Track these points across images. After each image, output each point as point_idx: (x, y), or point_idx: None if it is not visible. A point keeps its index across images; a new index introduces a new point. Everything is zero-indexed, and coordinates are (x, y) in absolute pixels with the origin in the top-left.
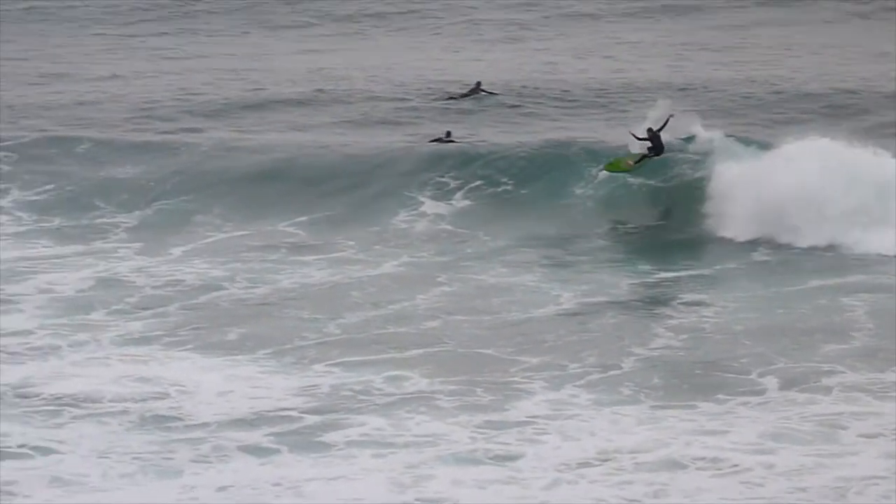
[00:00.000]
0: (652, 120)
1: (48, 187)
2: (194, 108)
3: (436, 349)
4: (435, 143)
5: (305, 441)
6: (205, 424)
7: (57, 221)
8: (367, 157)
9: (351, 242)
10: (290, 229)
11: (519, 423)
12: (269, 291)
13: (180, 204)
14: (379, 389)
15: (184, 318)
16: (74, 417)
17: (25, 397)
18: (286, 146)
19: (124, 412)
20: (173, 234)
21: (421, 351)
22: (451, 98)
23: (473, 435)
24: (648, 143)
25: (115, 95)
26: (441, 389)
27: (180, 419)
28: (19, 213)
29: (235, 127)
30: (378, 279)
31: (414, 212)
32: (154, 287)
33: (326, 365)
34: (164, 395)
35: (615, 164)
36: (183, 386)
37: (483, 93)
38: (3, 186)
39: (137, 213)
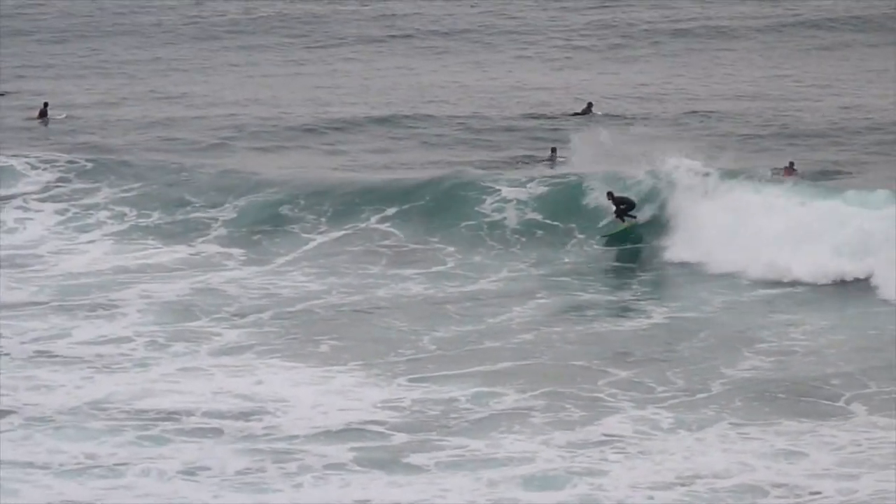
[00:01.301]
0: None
1: (136, 190)
2: (284, 126)
3: (528, 362)
4: (545, 162)
5: (392, 459)
6: (294, 438)
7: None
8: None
9: (451, 248)
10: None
11: (603, 442)
12: (364, 299)
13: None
14: (468, 407)
15: (280, 327)
16: (166, 432)
17: (117, 411)
18: (373, 163)
19: (217, 428)
20: (269, 236)
21: (512, 364)
22: (564, 116)
23: (561, 454)
24: (614, 208)
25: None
26: (532, 405)
27: (271, 434)
28: (116, 217)
29: (325, 143)
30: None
31: (497, 197)
32: (251, 298)
33: (419, 379)
34: (256, 409)
35: (617, 232)
36: (276, 399)
37: (594, 113)
38: (93, 188)
39: (229, 206)
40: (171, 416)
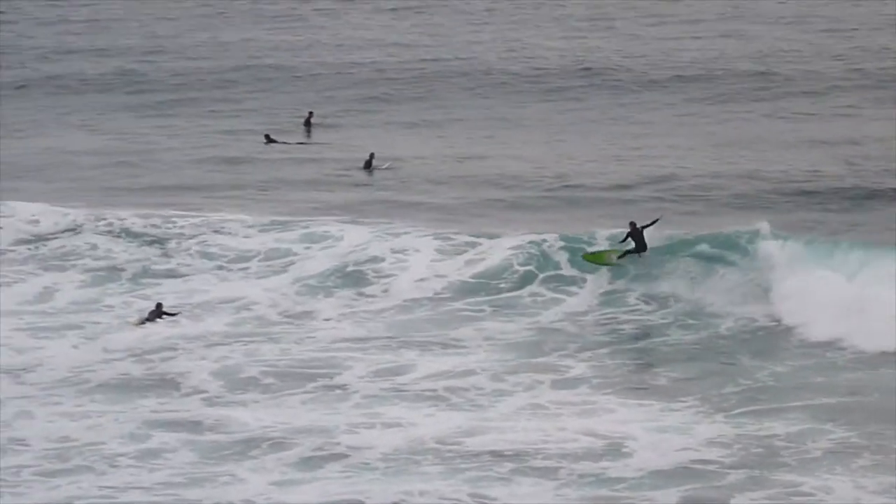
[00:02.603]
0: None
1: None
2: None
3: (858, 399)
4: None
5: (720, 502)
6: (625, 480)
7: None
8: None
9: None
10: None
11: None
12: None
13: None
14: (795, 445)
15: (621, 362)
16: (501, 471)
17: (454, 448)
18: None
19: (553, 468)
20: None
21: (843, 400)
22: None
23: (886, 500)
24: (631, 241)
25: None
26: (862, 444)
27: (604, 474)
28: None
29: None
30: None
31: None
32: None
33: (751, 414)
34: (592, 449)
35: (598, 256)
36: (612, 438)
37: None
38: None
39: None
40: (507, 455)
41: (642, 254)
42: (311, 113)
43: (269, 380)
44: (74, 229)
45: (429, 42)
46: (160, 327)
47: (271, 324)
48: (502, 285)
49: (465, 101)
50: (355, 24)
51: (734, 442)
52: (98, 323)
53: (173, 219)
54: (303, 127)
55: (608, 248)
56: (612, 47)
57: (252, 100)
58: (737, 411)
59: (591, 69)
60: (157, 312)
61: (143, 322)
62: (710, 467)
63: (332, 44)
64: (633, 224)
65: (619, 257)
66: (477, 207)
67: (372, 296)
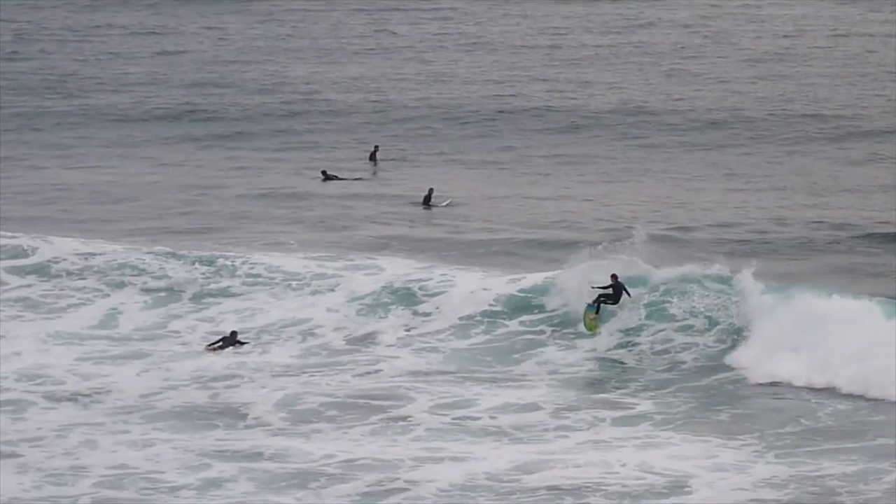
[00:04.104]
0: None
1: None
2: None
3: None
4: None
5: None
6: None
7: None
8: None
9: None
10: None
11: None
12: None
13: None
14: (850, 484)
15: (682, 398)
16: None
17: (512, 484)
18: None
19: None
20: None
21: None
22: None
23: None
24: (609, 291)
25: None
26: None
27: None
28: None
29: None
30: None
31: None
32: (656, 370)
33: (808, 454)
34: (649, 488)
35: (590, 327)
36: (669, 475)
37: None
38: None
39: None
40: (566, 489)
41: (613, 306)
42: (376, 147)
43: (332, 411)
44: (121, 254)
45: (492, 79)
46: (227, 354)
47: (336, 352)
48: (554, 302)
49: (527, 139)
50: (419, 60)
51: (790, 481)
52: (165, 351)
53: (225, 248)
54: (368, 161)
55: (585, 311)
56: (672, 88)
57: (314, 134)
58: (794, 450)
59: (651, 110)
60: (231, 341)
61: (215, 348)
62: None
63: (396, 79)
64: (614, 276)
65: (593, 317)
66: (530, 248)
67: (426, 314)
